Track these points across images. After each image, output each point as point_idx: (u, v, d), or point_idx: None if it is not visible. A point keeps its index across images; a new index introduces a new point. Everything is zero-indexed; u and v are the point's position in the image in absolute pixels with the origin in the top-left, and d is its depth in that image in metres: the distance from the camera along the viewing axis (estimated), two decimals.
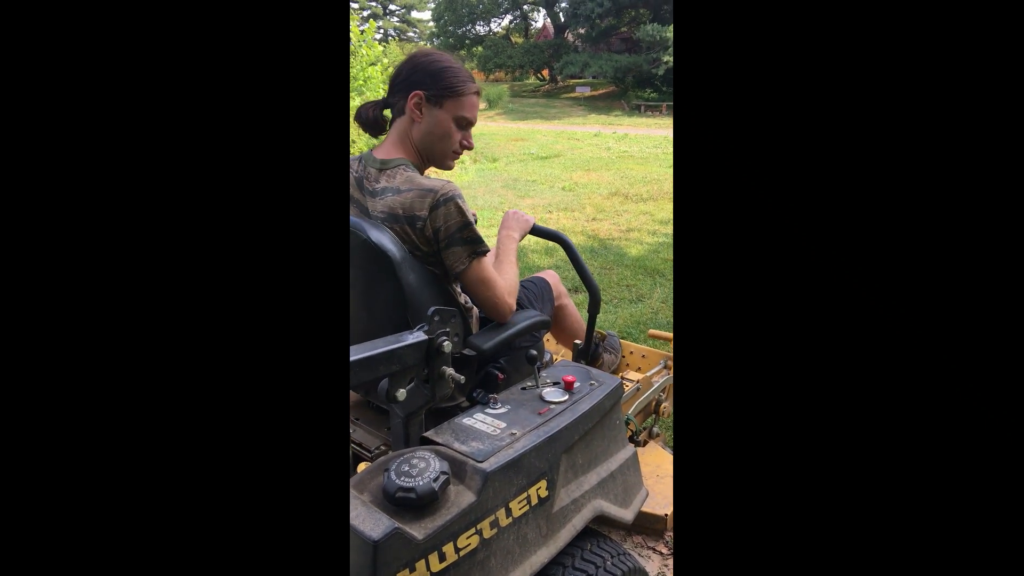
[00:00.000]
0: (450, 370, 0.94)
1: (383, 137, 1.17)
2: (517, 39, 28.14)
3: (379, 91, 7.72)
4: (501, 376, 1.13)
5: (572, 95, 22.65)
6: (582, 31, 23.27)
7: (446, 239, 1.04)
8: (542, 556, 0.88)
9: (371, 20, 6.90)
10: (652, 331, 1.88)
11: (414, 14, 34.68)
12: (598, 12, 20.92)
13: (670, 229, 4.80)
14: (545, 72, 26.12)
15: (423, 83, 1.09)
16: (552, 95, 23.61)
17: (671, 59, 18.00)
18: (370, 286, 1.06)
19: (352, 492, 0.77)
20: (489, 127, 13.76)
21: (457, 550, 0.77)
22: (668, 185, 6.55)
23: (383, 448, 1.14)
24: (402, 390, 0.88)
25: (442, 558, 0.75)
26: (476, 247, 1.06)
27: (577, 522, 0.94)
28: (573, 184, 6.81)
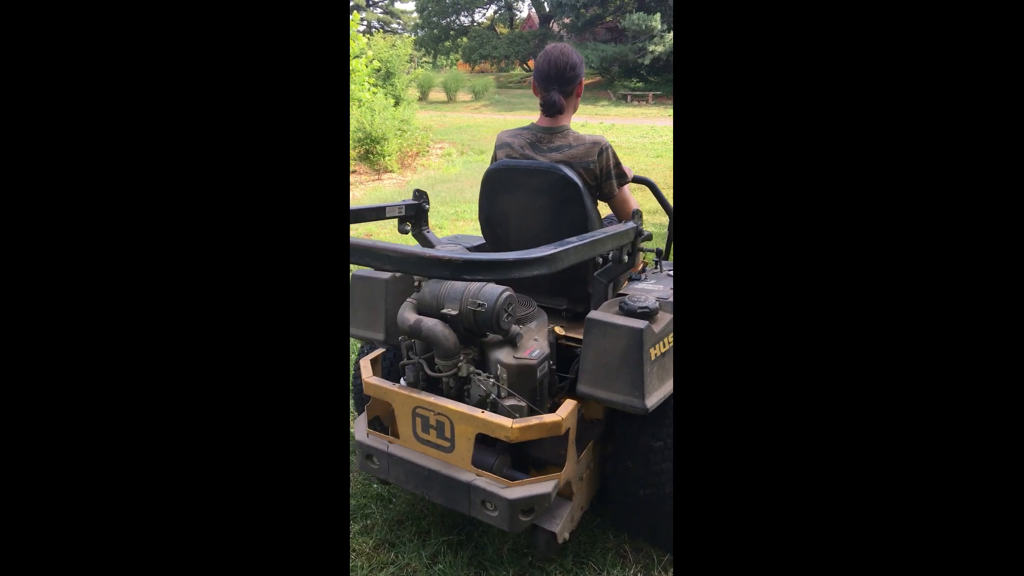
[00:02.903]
0: (643, 247, 1.55)
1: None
2: (502, 30, 27.90)
3: (364, 84, 7.62)
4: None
5: None
6: (567, 21, 23.08)
7: (606, 174, 1.64)
8: None
9: (354, 12, 6.81)
10: None
11: (397, 5, 34.31)
12: (583, 1, 20.76)
13: (655, 219, 4.82)
14: (531, 62, 25.91)
15: (580, 74, 1.70)
16: None
17: (657, 48, 17.94)
18: (559, 210, 1.60)
19: (604, 314, 1.33)
20: (475, 119, 13.66)
21: (665, 345, 1.32)
22: (654, 175, 6.55)
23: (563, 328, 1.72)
24: (626, 257, 1.48)
25: (662, 347, 1.31)
26: (623, 179, 1.70)
27: None
28: None
